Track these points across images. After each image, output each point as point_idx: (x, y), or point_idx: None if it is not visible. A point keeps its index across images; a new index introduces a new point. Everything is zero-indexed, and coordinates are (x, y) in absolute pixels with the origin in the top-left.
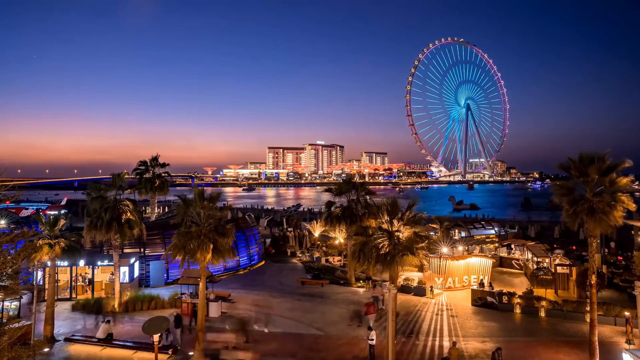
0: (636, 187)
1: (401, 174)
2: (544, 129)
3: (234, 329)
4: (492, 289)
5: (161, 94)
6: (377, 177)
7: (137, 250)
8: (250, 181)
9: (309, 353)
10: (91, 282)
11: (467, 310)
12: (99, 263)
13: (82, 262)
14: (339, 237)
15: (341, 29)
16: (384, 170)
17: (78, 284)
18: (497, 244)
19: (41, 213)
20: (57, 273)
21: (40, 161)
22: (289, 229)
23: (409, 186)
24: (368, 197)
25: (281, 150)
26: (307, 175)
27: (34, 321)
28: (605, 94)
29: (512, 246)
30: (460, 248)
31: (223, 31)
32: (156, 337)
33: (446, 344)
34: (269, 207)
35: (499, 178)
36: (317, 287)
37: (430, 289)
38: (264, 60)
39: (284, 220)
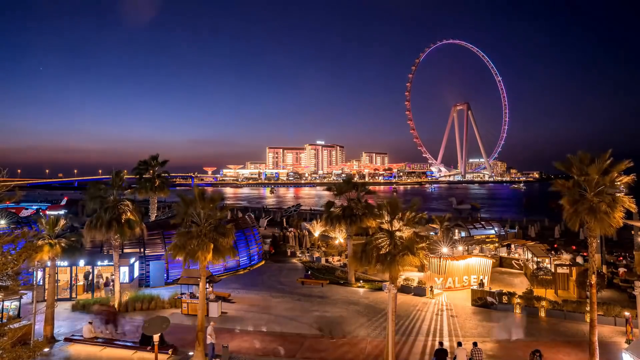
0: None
1: (401, 174)
2: (544, 129)
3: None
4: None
5: (161, 93)
6: (377, 177)
7: (137, 250)
8: (254, 180)
9: (309, 353)
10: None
11: (467, 310)
12: (99, 263)
13: (82, 262)
14: (339, 237)
15: (341, 29)
16: (384, 170)
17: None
18: (497, 244)
19: (41, 213)
20: (57, 273)
21: (40, 161)
22: (290, 229)
23: (409, 186)
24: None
25: (281, 150)
26: (307, 175)
27: (34, 321)
28: (606, 94)
29: (512, 246)
30: (460, 248)
31: (223, 30)
32: (156, 337)
33: (446, 343)
34: (269, 207)
35: (499, 178)
36: (317, 287)
37: (430, 289)
38: (264, 59)
39: (284, 220)
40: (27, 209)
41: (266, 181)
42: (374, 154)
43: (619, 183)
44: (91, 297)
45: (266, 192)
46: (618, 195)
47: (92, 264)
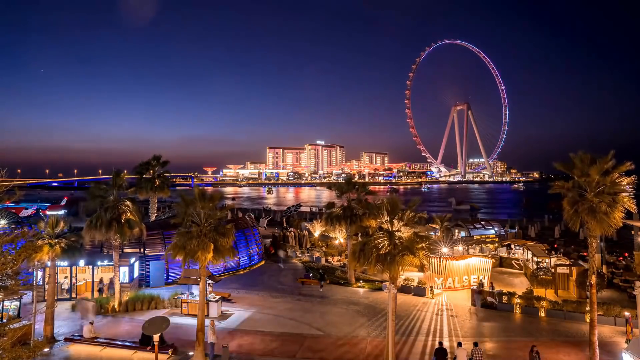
0: (630, 188)
1: (401, 174)
2: (544, 129)
3: None
4: (493, 288)
5: (160, 93)
6: (377, 177)
7: (137, 250)
8: (254, 180)
9: (309, 353)
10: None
11: (467, 310)
12: (99, 263)
13: (82, 262)
14: (339, 237)
15: (342, 29)
16: (384, 170)
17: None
18: (497, 244)
19: (41, 213)
20: (57, 273)
21: (40, 161)
22: (290, 229)
23: (408, 186)
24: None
25: (281, 150)
26: (307, 175)
27: (34, 321)
28: (606, 93)
29: (512, 246)
30: (460, 248)
31: (223, 31)
32: (156, 337)
33: (446, 343)
34: (269, 207)
35: (499, 178)
36: (317, 287)
37: (430, 289)
38: (264, 59)
39: (284, 220)
40: (27, 209)
41: (266, 181)
42: (374, 154)
43: (625, 184)
44: (91, 296)
45: (265, 192)
46: (625, 195)
47: (92, 264)
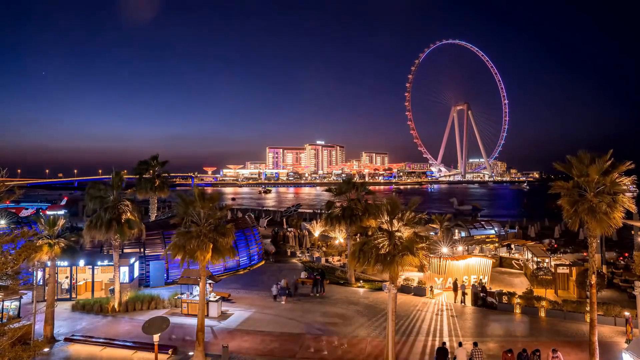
0: (633, 188)
1: (401, 174)
2: (544, 129)
3: None
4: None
5: (160, 93)
6: (377, 177)
7: (137, 250)
8: (254, 180)
9: (309, 353)
10: None
11: (467, 310)
12: (99, 263)
13: (82, 262)
14: (339, 237)
15: (342, 29)
16: (384, 170)
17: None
18: (497, 244)
19: (41, 213)
20: (57, 273)
21: (40, 161)
22: (289, 229)
23: (409, 186)
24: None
25: (281, 150)
26: (307, 175)
27: (34, 321)
28: (606, 93)
29: (512, 246)
30: (460, 248)
31: (222, 30)
32: (156, 337)
33: (447, 343)
34: (269, 208)
35: (499, 178)
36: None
37: (430, 289)
38: (264, 59)
39: (284, 220)
40: (27, 209)
41: (266, 181)
42: (374, 154)
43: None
44: (91, 297)
45: (262, 192)
46: (624, 195)
47: (92, 264)
